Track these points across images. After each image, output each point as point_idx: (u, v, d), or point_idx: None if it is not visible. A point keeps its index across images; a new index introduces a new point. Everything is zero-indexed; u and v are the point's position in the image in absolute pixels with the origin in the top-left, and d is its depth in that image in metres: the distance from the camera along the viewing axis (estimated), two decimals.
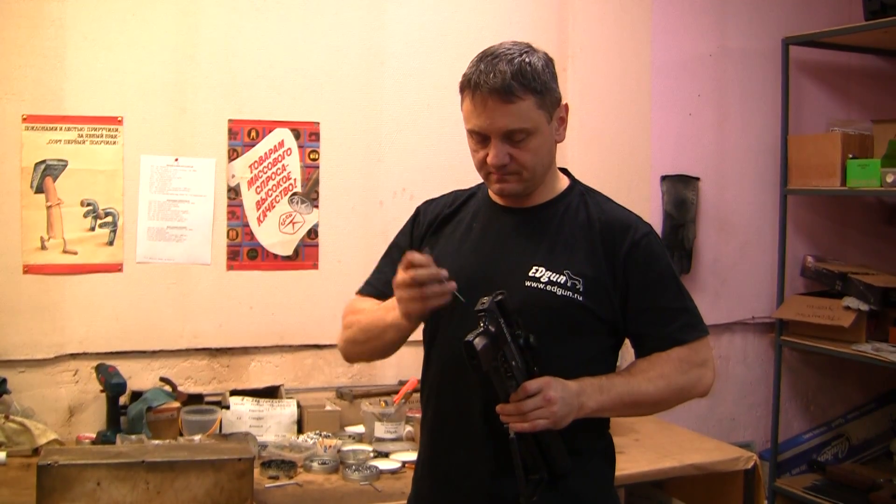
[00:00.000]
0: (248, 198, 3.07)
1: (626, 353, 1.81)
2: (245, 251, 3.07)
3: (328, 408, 3.01)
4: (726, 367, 3.81)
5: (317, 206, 3.15)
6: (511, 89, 1.63)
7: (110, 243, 2.91)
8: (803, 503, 3.63)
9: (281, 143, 3.09)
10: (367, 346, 1.84)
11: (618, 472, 1.85)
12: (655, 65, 3.60)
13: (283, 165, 3.10)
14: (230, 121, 3.03)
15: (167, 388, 2.84)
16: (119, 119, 2.90)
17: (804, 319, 3.68)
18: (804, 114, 3.90)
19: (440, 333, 1.77)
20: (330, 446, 2.70)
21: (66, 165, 2.85)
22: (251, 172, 3.06)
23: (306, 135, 3.12)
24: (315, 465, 2.60)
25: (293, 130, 3.11)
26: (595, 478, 1.76)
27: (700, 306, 1.80)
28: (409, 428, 2.86)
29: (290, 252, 3.12)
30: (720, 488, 2.92)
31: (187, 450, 2.29)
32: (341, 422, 2.98)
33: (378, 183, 3.22)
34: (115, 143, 2.90)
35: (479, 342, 1.49)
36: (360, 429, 2.93)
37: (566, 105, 1.76)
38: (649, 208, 3.57)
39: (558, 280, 1.69)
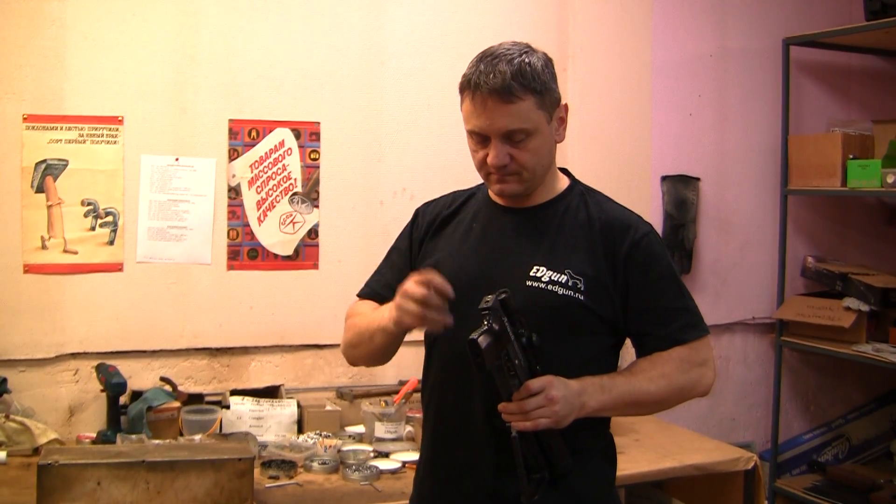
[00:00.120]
0: (249, 198, 3.07)
1: (627, 352, 1.81)
2: (245, 251, 3.07)
3: (328, 408, 3.01)
4: (726, 368, 3.81)
5: (317, 206, 3.15)
6: (511, 90, 1.63)
7: (111, 243, 2.91)
8: None
9: (281, 143, 3.09)
10: (361, 350, 1.85)
11: (618, 473, 1.84)
12: (656, 65, 3.60)
13: (283, 165, 3.10)
14: (231, 121, 3.03)
15: (167, 387, 2.84)
16: (119, 119, 2.90)
17: (804, 320, 3.68)
18: (805, 114, 3.90)
19: (441, 333, 1.77)
20: (330, 446, 2.70)
21: (66, 165, 2.85)
22: (251, 172, 3.06)
23: (307, 135, 3.12)
24: (315, 465, 2.60)
25: (294, 130, 3.11)
26: (596, 477, 1.76)
27: (700, 306, 1.80)
28: (409, 428, 2.86)
29: (290, 252, 3.12)
30: (720, 489, 2.92)
31: (187, 449, 2.29)
32: (341, 422, 2.98)
33: (378, 183, 3.22)
34: (115, 142, 2.90)
35: (483, 340, 1.49)
36: (360, 429, 2.93)
37: (566, 105, 1.75)
38: (649, 208, 3.57)
39: (559, 279, 1.69)
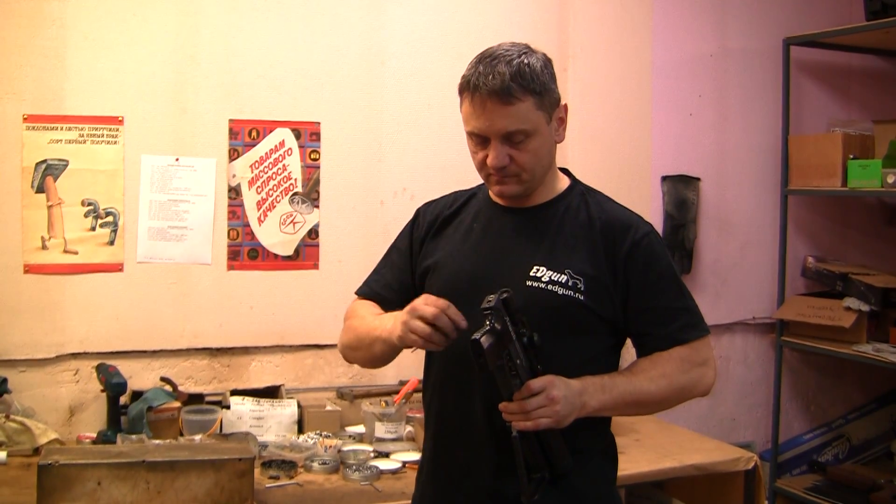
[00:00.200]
0: (249, 198, 3.07)
1: (628, 352, 1.81)
2: (246, 251, 3.07)
3: (328, 408, 3.01)
4: (727, 368, 3.81)
5: (317, 206, 3.15)
6: (510, 91, 1.63)
7: (111, 243, 2.91)
8: None
9: (282, 143, 3.09)
10: (360, 354, 1.85)
11: (618, 472, 1.84)
12: (656, 65, 3.60)
13: (283, 165, 3.10)
14: (231, 121, 3.03)
15: (168, 387, 2.84)
16: (120, 119, 2.90)
17: (805, 320, 3.68)
18: (805, 114, 3.90)
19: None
20: (330, 446, 2.70)
21: (66, 165, 2.85)
22: (252, 172, 3.06)
23: (307, 135, 3.12)
24: (315, 465, 2.60)
25: (294, 130, 3.11)
26: (597, 476, 1.76)
27: (701, 306, 1.80)
28: (409, 428, 2.86)
29: (290, 252, 3.12)
30: (721, 489, 2.92)
31: (188, 449, 2.29)
32: (342, 422, 2.98)
33: (379, 183, 3.22)
34: (115, 142, 2.90)
35: (485, 340, 1.49)
36: (360, 429, 2.93)
37: (565, 105, 1.75)
38: (650, 208, 3.57)
39: (559, 279, 1.69)
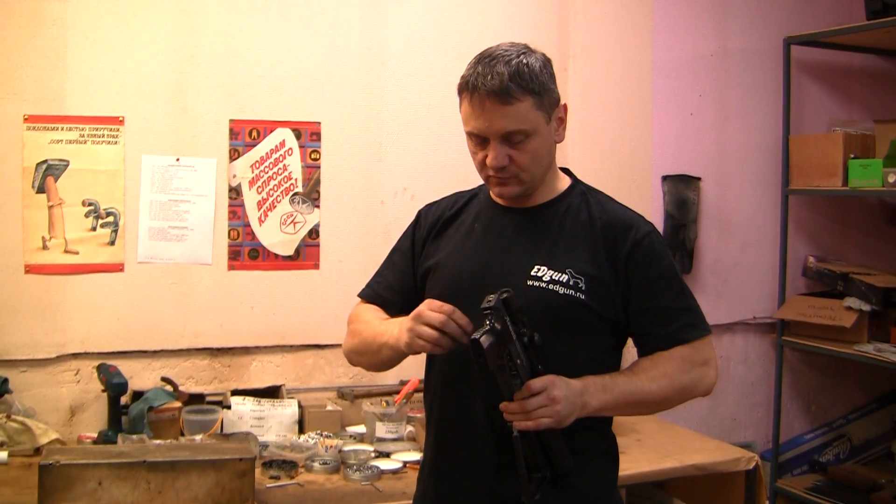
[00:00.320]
0: (250, 198, 3.07)
1: (629, 352, 1.81)
2: (246, 251, 3.07)
3: (329, 408, 3.01)
4: (727, 368, 3.80)
5: (318, 206, 3.15)
6: (509, 91, 1.63)
7: (111, 243, 2.91)
8: None
9: (282, 143, 3.09)
10: (366, 359, 1.87)
11: (619, 472, 1.84)
12: (657, 64, 3.60)
13: (284, 165, 3.10)
14: (231, 121, 3.03)
15: (168, 387, 2.84)
16: (120, 119, 2.90)
17: (805, 320, 3.68)
18: (805, 114, 3.90)
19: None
20: (331, 446, 2.70)
21: (67, 165, 2.85)
22: (252, 172, 3.06)
23: (307, 135, 3.12)
24: (316, 465, 2.60)
25: (294, 130, 3.11)
26: (598, 476, 1.76)
27: (701, 306, 1.80)
28: (410, 428, 2.86)
29: (291, 252, 3.12)
30: (721, 489, 2.92)
31: (188, 449, 2.29)
32: (342, 422, 2.98)
33: (379, 182, 3.22)
34: (116, 142, 2.90)
35: (485, 340, 1.50)
36: (361, 429, 2.93)
37: (565, 105, 1.75)
38: (650, 208, 3.57)
39: (560, 279, 1.69)
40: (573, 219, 1.76)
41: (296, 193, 3.12)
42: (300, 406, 2.94)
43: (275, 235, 3.10)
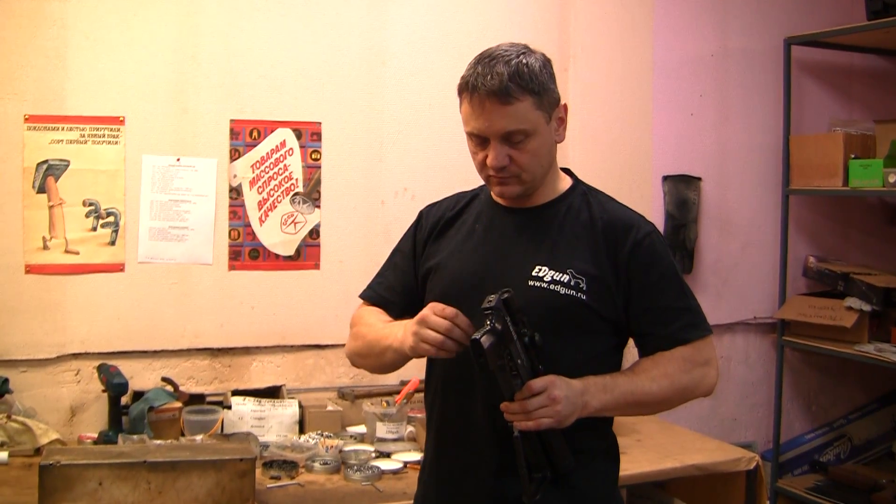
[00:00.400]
0: (250, 198, 3.07)
1: (630, 352, 1.81)
2: (247, 251, 3.07)
3: (330, 408, 3.01)
4: (728, 368, 3.80)
5: (318, 206, 3.15)
6: (508, 91, 1.63)
7: (112, 243, 2.91)
8: None
9: (283, 143, 3.09)
10: (370, 362, 1.87)
11: (620, 472, 1.84)
12: (657, 65, 3.60)
13: (284, 165, 3.10)
14: (232, 121, 3.03)
15: (169, 387, 2.84)
16: (121, 119, 2.90)
17: (806, 320, 3.68)
18: (806, 114, 3.90)
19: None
20: (331, 446, 2.70)
21: (67, 165, 2.85)
22: (253, 172, 3.06)
23: (308, 135, 3.12)
24: (317, 465, 2.60)
25: (295, 130, 3.11)
26: (598, 476, 1.76)
27: (702, 306, 1.80)
28: (410, 428, 2.86)
29: (291, 252, 3.12)
30: (722, 489, 2.92)
31: (189, 450, 2.29)
32: (343, 422, 2.98)
33: (380, 182, 3.22)
34: (116, 142, 2.90)
35: (486, 340, 1.50)
36: (361, 429, 2.93)
37: (565, 105, 1.75)
38: (651, 208, 3.57)
39: (561, 279, 1.69)
40: (574, 219, 1.76)
41: (296, 193, 3.12)
42: (301, 406, 2.94)
43: (275, 235, 3.10)
